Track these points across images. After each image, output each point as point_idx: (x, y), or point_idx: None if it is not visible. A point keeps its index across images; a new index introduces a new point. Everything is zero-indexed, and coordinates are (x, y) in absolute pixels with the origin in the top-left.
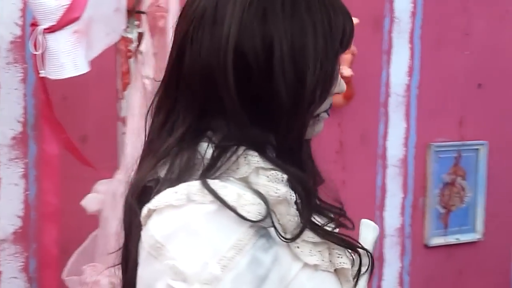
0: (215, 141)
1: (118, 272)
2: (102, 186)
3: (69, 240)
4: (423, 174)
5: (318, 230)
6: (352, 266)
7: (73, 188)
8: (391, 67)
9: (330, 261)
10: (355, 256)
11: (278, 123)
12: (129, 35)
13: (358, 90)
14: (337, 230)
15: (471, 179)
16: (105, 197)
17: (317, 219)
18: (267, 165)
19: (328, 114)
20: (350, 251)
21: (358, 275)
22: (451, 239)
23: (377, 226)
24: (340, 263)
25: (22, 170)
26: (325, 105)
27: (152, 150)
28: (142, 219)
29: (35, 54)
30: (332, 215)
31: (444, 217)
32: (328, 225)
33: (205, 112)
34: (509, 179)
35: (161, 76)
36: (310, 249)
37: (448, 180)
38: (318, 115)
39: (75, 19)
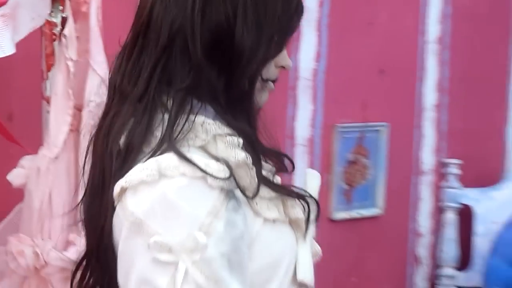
0: (181, 108)
1: (43, 242)
2: (27, 161)
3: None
4: (328, 153)
5: (271, 185)
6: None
7: (1, 165)
8: (300, 53)
9: (285, 213)
10: (305, 205)
11: (234, 68)
12: (54, 19)
13: None
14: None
15: (372, 158)
16: (30, 171)
17: (267, 171)
18: (223, 130)
19: (273, 87)
20: (300, 200)
21: (307, 224)
22: (354, 214)
23: (319, 174)
24: (295, 214)
25: None
26: (272, 73)
27: (124, 97)
28: (115, 196)
29: None
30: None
31: (347, 193)
32: (270, 169)
33: (177, 69)
34: (407, 159)
35: (83, 58)
36: (267, 204)
37: (352, 159)
38: (266, 81)
39: (2, 4)
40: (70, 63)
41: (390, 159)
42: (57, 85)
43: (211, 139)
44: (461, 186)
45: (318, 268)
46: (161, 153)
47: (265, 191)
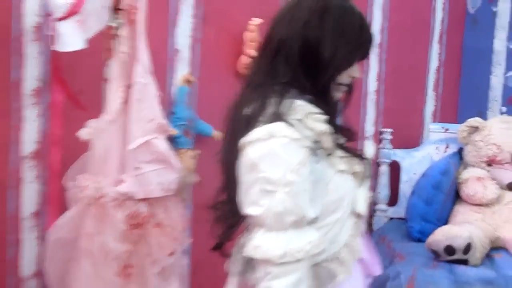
0: (284, 94)
1: (102, 180)
2: (92, 123)
3: (69, 158)
4: None
5: (342, 148)
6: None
7: (74, 125)
8: None
9: (351, 167)
10: (363, 164)
11: (319, 77)
12: (112, 24)
13: None
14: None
15: None
16: (93, 130)
17: (341, 139)
18: (312, 109)
19: (344, 90)
20: (361, 160)
21: (365, 176)
22: None
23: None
24: (356, 168)
25: (39, 111)
26: (343, 79)
27: (250, 89)
28: (240, 146)
29: (50, 35)
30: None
31: None
32: (343, 139)
33: (282, 70)
34: (356, 128)
35: (131, 51)
36: (338, 160)
37: None
38: (339, 83)
39: (77, 12)
40: (122, 55)
41: None
42: (113, 70)
43: (304, 116)
44: (391, 148)
45: None
46: (271, 122)
47: (338, 152)
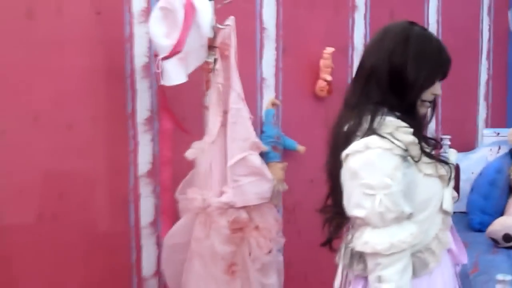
0: (376, 112)
1: (207, 192)
2: (196, 144)
3: (179, 175)
4: None
5: (428, 155)
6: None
7: (180, 147)
8: None
9: (436, 171)
10: (447, 168)
11: (405, 96)
12: (209, 60)
13: None
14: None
15: None
16: (197, 150)
17: (427, 148)
18: (400, 124)
19: (429, 106)
20: (445, 165)
21: (449, 179)
22: None
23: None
24: (442, 172)
25: (151, 136)
26: (427, 97)
27: (347, 109)
28: (343, 158)
29: (157, 72)
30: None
31: None
32: (428, 146)
33: (373, 93)
34: None
35: (226, 82)
36: (425, 166)
37: None
38: (423, 100)
39: (178, 52)
40: (219, 86)
41: None
42: (212, 98)
43: (394, 129)
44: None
45: None
46: (366, 136)
47: (425, 158)
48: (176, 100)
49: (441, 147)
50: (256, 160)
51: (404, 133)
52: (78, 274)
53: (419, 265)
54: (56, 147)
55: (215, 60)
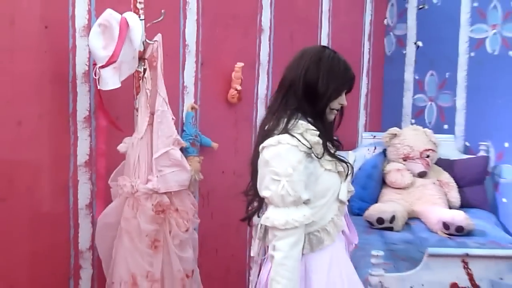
0: (292, 116)
1: (136, 180)
2: (126, 140)
3: (112, 165)
4: None
5: (329, 153)
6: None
7: (114, 142)
8: None
9: (336, 167)
10: (345, 166)
11: (316, 105)
12: (139, 69)
13: None
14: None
15: None
16: (128, 145)
17: (331, 148)
18: (310, 127)
19: (336, 114)
20: (344, 163)
21: (347, 175)
22: None
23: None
24: (340, 168)
25: (89, 132)
26: (334, 105)
27: (270, 113)
28: (260, 149)
29: (95, 78)
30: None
31: None
32: (333, 147)
33: (290, 100)
34: None
35: (154, 88)
36: (326, 162)
37: None
38: (331, 109)
39: (114, 62)
40: (147, 91)
41: None
42: (141, 101)
43: (304, 130)
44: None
45: None
46: (281, 134)
47: (327, 156)
48: (111, 102)
49: (343, 148)
50: (177, 154)
51: (311, 134)
52: (25, 248)
53: (315, 242)
54: (7, 140)
55: (145, 69)
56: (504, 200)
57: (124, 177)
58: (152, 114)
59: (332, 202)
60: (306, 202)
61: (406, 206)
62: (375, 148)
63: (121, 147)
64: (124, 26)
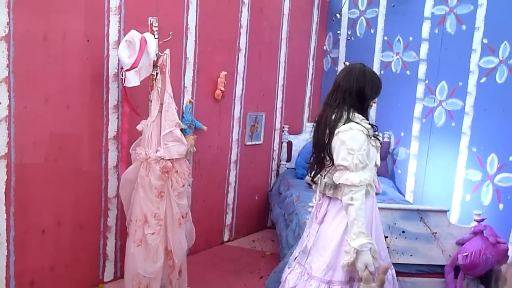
0: (350, 110)
1: (149, 150)
2: (143, 121)
3: (132, 139)
4: (254, 125)
5: (373, 135)
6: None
7: (133, 122)
8: None
9: (376, 143)
10: (378, 143)
11: (364, 103)
12: (153, 73)
13: None
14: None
15: (260, 125)
16: (144, 125)
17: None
18: (362, 117)
19: (370, 109)
20: (378, 141)
21: (379, 148)
22: (252, 143)
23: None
24: (377, 144)
25: (116, 116)
26: (371, 103)
27: (331, 108)
28: (335, 133)
29: (122, 78)
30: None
31: (252, 135)
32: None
33: (347, 100)
34: (270, 125)
35: (163, 87)
36: (372, 140)
37: (253, 124)
38: (370, 106)
39: (135, 67)
40: (158, 88)
41: (265, 125)
42: (154, 96)
43: (360, 120)
44: (288, 134)
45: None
46: (347, 123)
47: (372, 137)
48: (133, 95)
49: (377, 131)
50: (178, 132)
51: (365, 122)
52: (69, 195)
53: (366, 192)
54: (59, 119)
55: (157, 73)
56: (399, 171)
57: (141, 147)
58: (161, 104)
59: (373, 166)
60: (367, 167)
61: None
62: None
63: (139, 127)
64: (144, 42)
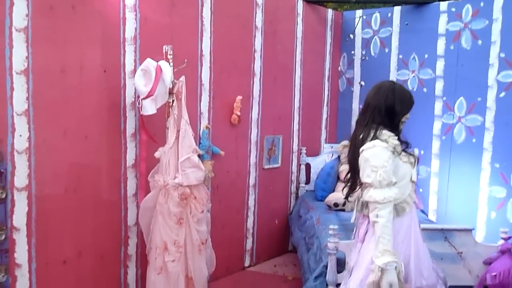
0: (378, 128)
1: (167, 176)
2: (160, 149)
3: (150, 166)
4: (272, 148)
5: (404, 151)
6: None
7: (151, 150)
8: None
9: (409, 159)
10: (413, 158)
11: (394, 119)
12: (169, 100)
13: None
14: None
15: (277, 147)
16: (161, 152)
17: (403, 146)
18: (390, 134)
19: (403, 125)
20: (412, 156)
21: (415, 164)
22: (271, 166)
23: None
24: (411, 160)
25: (134, 144)
26: (403, 119)
27: (361, 126)
28: (360, 151)
29: (138, 106)
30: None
31: (269, 158)
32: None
33: (376, 118)
34: (288, 148)
35: (179, 113)
36: (403, 156)
37: (270, 147)
38: (402, 122)
39: (151, 95)
40: (175, 115)
41: (282, 148)
42: (170, 122)
43: (387, 137)
44: (306, 156)
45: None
46: (373, 140)
47: (403, 153)
48: (150, 123)
49: (410, 147)
50: (196, 158)
51: (392, 139)
52: (89, 225)
53: (400, 210)
54: (78, 149)
55: (173, 100)
56: (420, 190)
57: (159, 175)
58: (178, 131)
59: (407, 182)
60: (395, 184)
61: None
62: (332, 155)
63: (156, 154)
64: (159, 71)
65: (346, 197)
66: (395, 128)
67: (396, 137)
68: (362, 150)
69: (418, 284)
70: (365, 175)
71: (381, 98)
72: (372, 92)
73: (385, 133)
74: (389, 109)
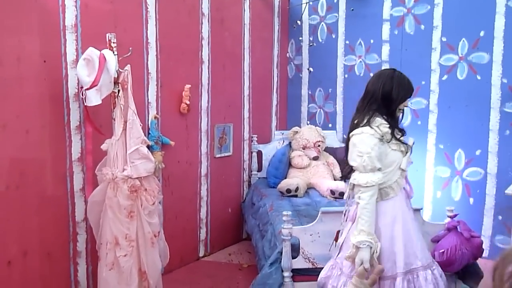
0: (372, 115)
1: (115, 169)
2: (107, 141)
3: (97, 159)
4: (223, 137)
5: (396, 138)
6: (405, 150)
7: (97, 142)
8: None
9: (399, 147)
10: (405, 146)
11: (390, 107)
12: (115, 90)
13: None
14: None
15: (228, 136)
16: (108, 144)
17: (398, 134)
18: (383, 122)
19: (401, 113)
20: (404, 145)
21: (406, 152)
22: (222, 155)
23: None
24: (403, 148)
25: (79, 136)
26: (401, 107)
27: (358, 112)
28: (350, 136)
29: (82, 98)
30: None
31: (221, 147)
32: (400, 134)
33: (372, 105)
34: (239, 136)
35: (125, 103)
36: (393, 144)
37: (221, 136)
38: (399, 109)
39: (95, 85)
40: (121, 105)
41: (233, 136)
42: (117, 113)
43: (379, 124)
44: (257, 143)
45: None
46: (363, 126)
47: (393, 140)
48: (95, 115)
49: (405, 134)
50: (145, 150)
51: (383, 127)
52: (35, 222)
53: (384, 194)
54: (18, 144)
55: (119, 90)
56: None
57: (106, 167)
58: (125, 122)
59: (396, 169)
60: (379, 170)
61: (305, 180)
62: (283, 141)
63: (103, 146)
64: (103, 60)
65: (345, 176)
66: (391, 116)
67: (388, 125)
68: (352, 135)
69: (414, 266)
70: (351, 159)
71: (379, 85)
72: (372, 79)
73: (378, 121)
74: (385, 96)
